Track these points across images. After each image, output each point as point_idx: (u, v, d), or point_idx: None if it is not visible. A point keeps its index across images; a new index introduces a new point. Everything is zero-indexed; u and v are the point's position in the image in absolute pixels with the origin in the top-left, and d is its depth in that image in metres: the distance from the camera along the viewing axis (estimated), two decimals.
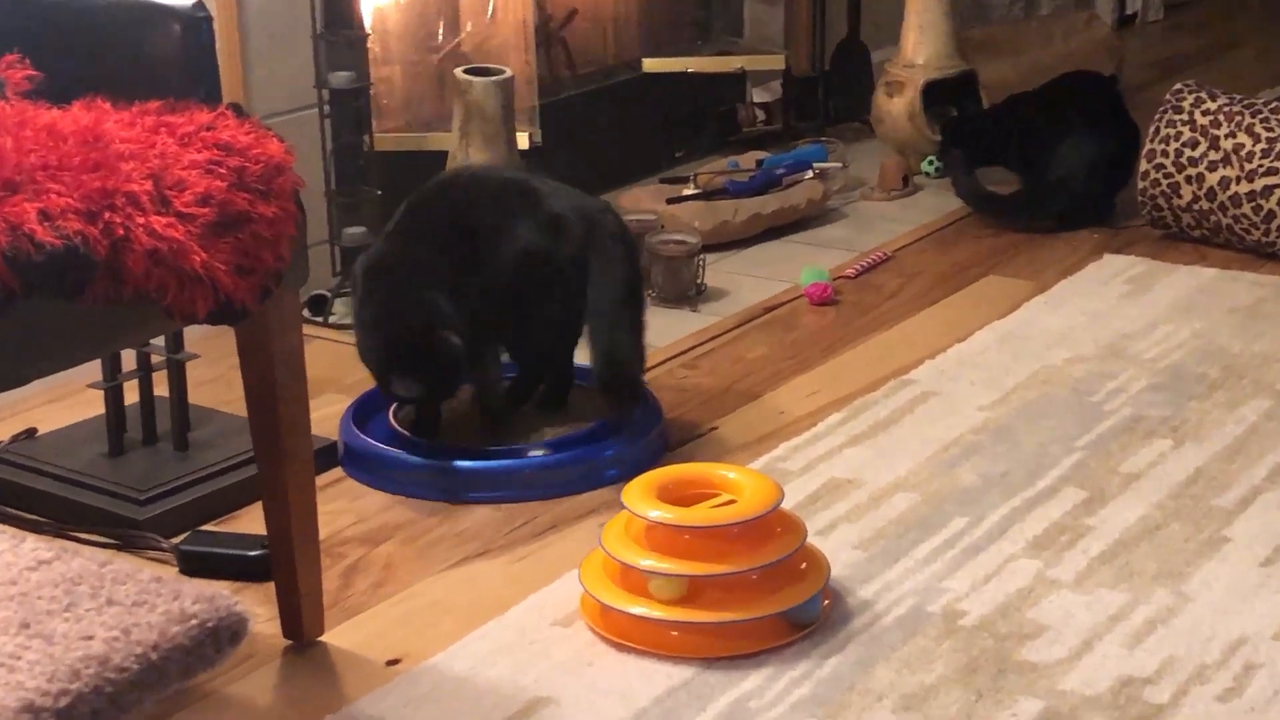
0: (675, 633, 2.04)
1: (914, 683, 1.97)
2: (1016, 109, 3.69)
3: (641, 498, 2.08)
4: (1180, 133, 3.38)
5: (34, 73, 1.97)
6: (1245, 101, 3.39)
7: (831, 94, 4.23)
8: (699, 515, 2.07)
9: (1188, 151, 3.37)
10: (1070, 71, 3.76)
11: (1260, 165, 3.30)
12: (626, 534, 2.09)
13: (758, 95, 4.17)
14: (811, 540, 2.16)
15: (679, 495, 2.11)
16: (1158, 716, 1.91)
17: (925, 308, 3.17)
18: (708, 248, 3.31)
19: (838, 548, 2.26)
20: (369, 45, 3.11)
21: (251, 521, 2.34)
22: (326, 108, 3.07)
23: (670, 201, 3.51)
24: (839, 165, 3.77)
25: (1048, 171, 3.55)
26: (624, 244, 2.52)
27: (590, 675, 2.00)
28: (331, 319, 3.08)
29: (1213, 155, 3.34)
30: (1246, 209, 3.32)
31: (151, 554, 2.28)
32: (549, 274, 2.50)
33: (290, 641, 2.08)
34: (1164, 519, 2.33)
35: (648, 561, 2.04)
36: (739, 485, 2.12)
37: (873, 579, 2.19)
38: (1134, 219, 3.54)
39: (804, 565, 2.11)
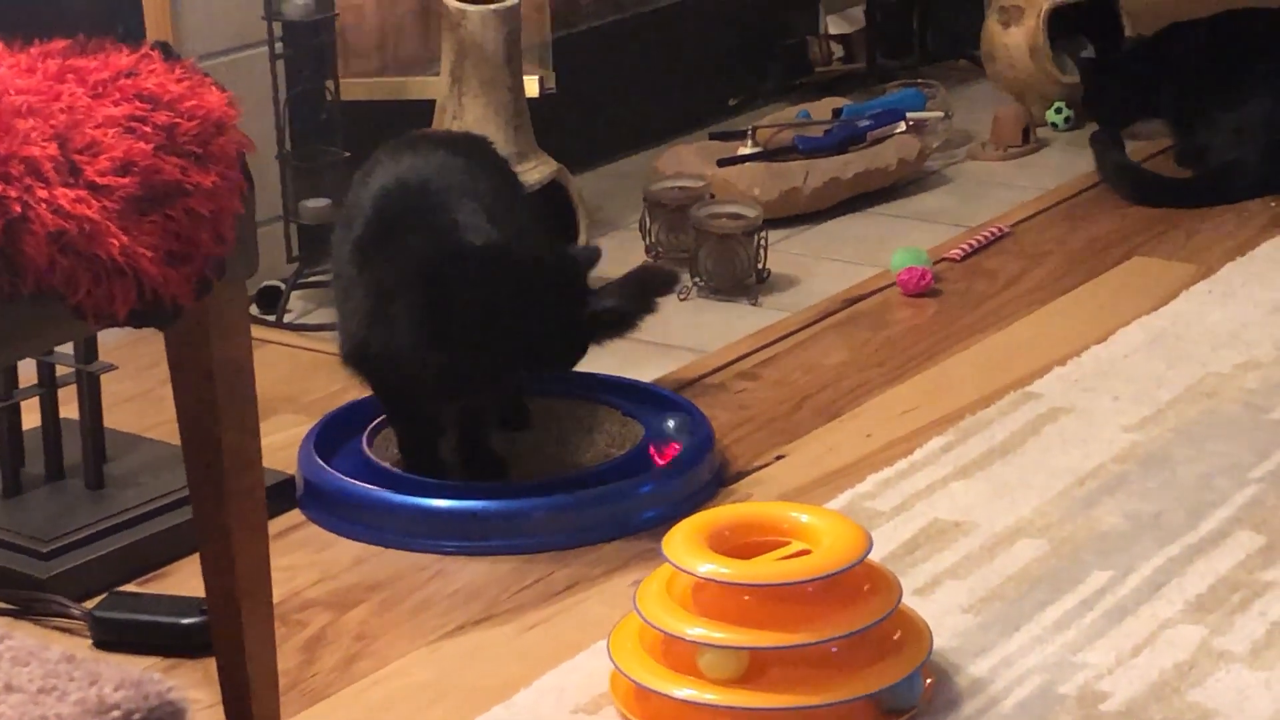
0: None
1: None
2: (1172, 49, 3.68)
3: (688, 548, 2.08)
4: None
5: None
6: None
7: (929, 23, 4.22)
8: (762, 570, 2.07)
9: None
10: None
11: None
12: (669, 595, 2.09)
13: (834, 25, 4.17)
14: (908, 602, 2.16)
15: (737, 544, 2.11)
16: None
17: (1053, 299, 3.17)
18: (770, 223, 3.31)
19: (942, 611, 2.26)
20: None
21: (186, 580, 2.34)
22: (279, 46, 3.08)
23: (723, 163, 3.51)
24: (940, 115, 3.77)
25: (1214, 145, 3.53)
26: None
27: None
28: (287, 318, 3.09)
29: None
30: None
31: (58, 623, 2.29)
32: None
33: None
34: None
35: (697, 630, 2.04)
36: (814, 531, 2.12)
37: (988, 652, 2.19)
38: None
39: (898, 634, 2.10)
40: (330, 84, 3.12)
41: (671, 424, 2.66)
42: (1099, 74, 3.76)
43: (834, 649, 2.04)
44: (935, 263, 3.26)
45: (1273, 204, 3.50)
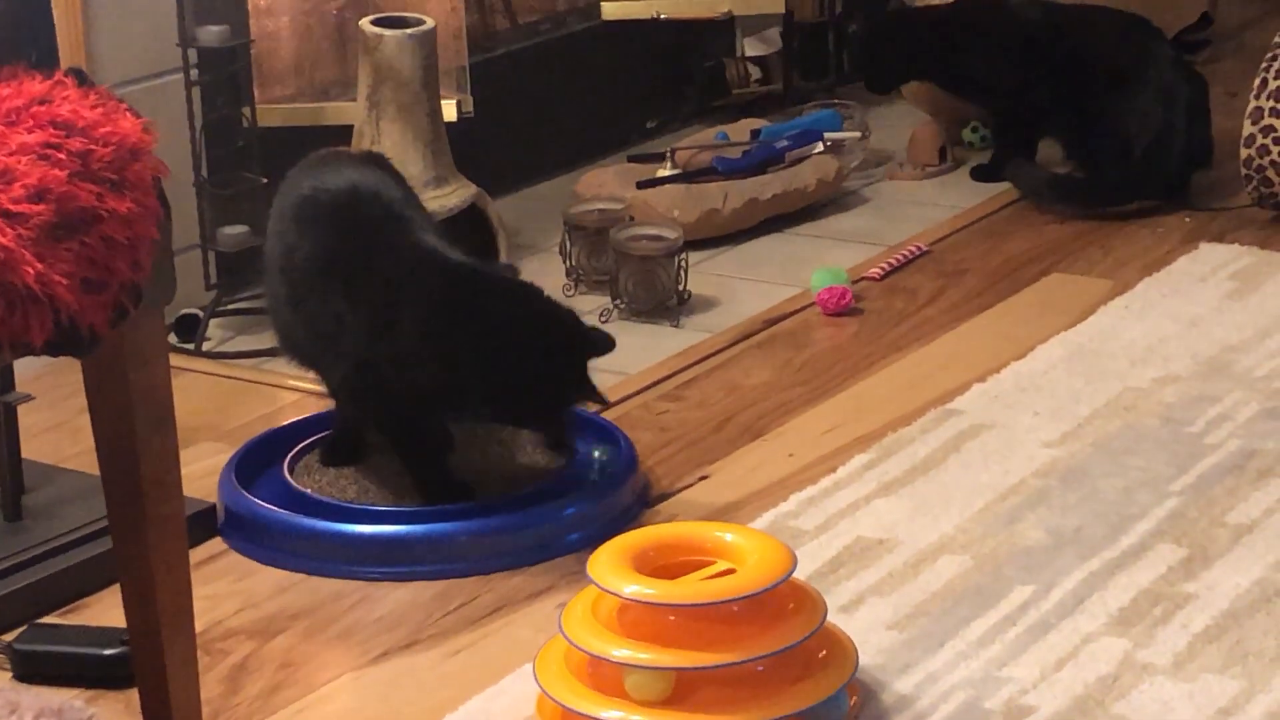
0: None
1: None
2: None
3: (613, 569, 2.08)
4: None
5: None
6: None
7: (845, 45, 4.23)
8: (687, 590, 2.07)
9: None
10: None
11: None
12: (594, 616, 2.09)
13: (751, 48, 4.18)
14: (832, 619, 2.16)
15: (661, 565, 2.11)
16: None
17: (972, 316, 3.18)
18: (691, 244, 3.31)
19: (867, 628, 2.26)
20: None
21: (107, 610, 2.33)
22: (194, 72, 3.06)
23: (642, 185, 3.51)
24: (857, 135, 3.78)
25: (1134, 133, 3.55)
26: None
27: None
28: (206, 346, 3.07)
29: None
30: None
31: None
32: None
33: None
34: None
35: (622, 651, 2.04)
36: (738, 550, 2.11)
37: (913, 668, 2.19)
38: (1235, 197, 3.55)
39: (824, 652, 2.10)
40: (247, 110, 3.11)
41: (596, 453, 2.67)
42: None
43: (760, 668, 2.04)
44: (855, 282, 3.27)
45: (1187, 219, 3.52)
